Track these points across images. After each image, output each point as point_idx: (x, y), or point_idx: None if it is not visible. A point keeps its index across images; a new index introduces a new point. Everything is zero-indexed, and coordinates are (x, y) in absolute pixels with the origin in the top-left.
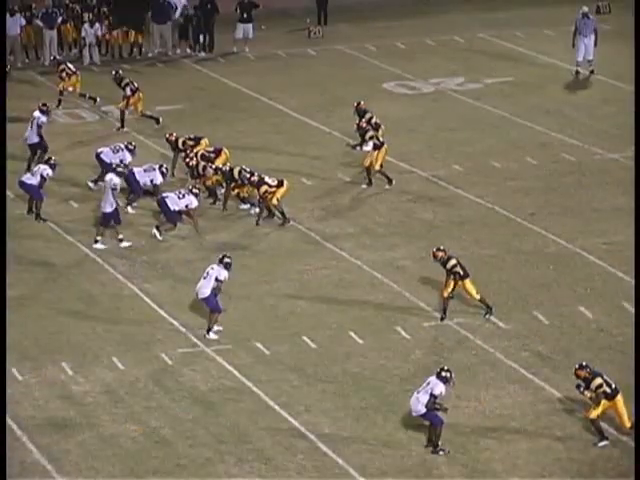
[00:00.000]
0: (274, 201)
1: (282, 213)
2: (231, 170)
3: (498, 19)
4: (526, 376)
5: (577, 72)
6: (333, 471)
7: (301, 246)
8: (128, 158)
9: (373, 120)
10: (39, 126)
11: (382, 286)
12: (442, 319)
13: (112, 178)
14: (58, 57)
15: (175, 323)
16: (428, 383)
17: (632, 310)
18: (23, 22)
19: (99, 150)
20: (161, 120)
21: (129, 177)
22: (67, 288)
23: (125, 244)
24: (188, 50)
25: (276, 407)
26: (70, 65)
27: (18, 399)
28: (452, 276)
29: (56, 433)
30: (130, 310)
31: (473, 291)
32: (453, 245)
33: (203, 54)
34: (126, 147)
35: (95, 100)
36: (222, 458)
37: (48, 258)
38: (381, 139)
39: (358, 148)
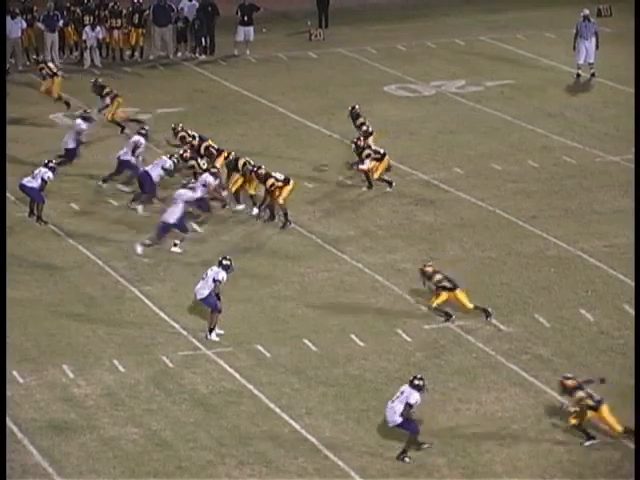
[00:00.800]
0: (280, 200)
1: (285, 214)
2: (236, 160)
3: (499, 21)
4: (527, 379)
5: (578, 75)
6: (334, 473)
7: (302, 249)
8: (143, 142)
9: (364, 127)
10: (78, 133)
11: (383, 289)
12: (447, 320)
13: (185, 193)
14: (39, 58)
15: (176, 326)
16: (402, 392)
17: (633, 312)
18: (24, 25)
19: (119, 154)
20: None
21: (144, 177)
22: (68, 290)
23: (177, 250)
24: (188, 53)
25: (277, 410)
26: (51, 65)
27: (19, 401)
28: (442, 289)
29: (57, 435)
30: (131, 313)
31: (466, 301)
32: (454, 248)
33: (204, 57)
34: (138, 132)
35: (69, 105)
36: (223, 460)
37: (49, 260)
38: (382, 150)
39: (355, 167)
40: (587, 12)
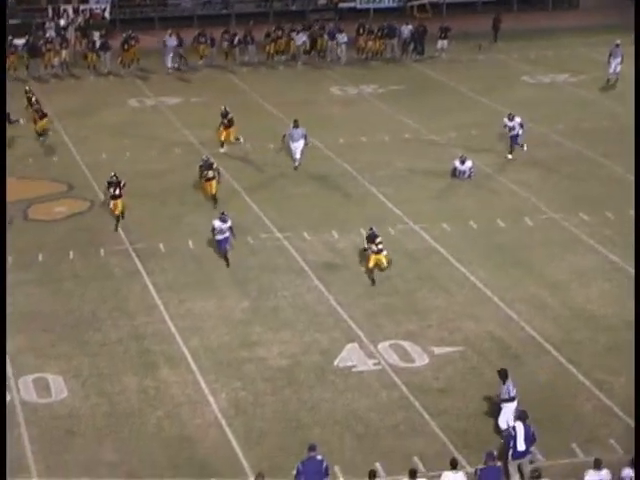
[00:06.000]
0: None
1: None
2: None
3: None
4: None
5: (608, 80)
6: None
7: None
8: None
9: None
10: None
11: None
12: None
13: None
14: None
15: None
16: None
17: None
18: None
19: None
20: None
21: None
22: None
23: None
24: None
25: None
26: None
27: (305, 248)
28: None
29: (328, 269)
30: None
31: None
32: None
33: (418, 56)
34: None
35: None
36: None
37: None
38: None
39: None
40: (618, 42)
